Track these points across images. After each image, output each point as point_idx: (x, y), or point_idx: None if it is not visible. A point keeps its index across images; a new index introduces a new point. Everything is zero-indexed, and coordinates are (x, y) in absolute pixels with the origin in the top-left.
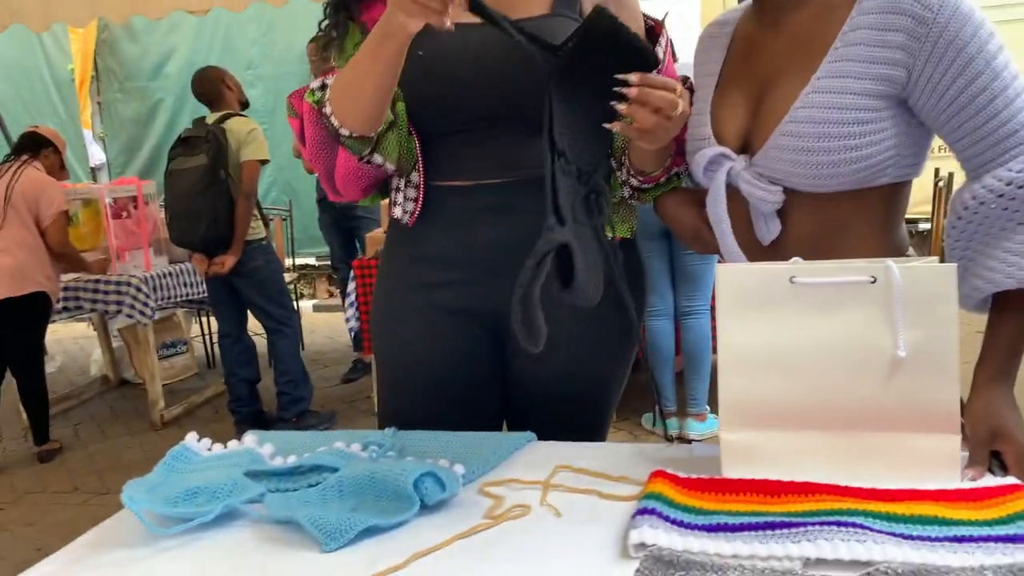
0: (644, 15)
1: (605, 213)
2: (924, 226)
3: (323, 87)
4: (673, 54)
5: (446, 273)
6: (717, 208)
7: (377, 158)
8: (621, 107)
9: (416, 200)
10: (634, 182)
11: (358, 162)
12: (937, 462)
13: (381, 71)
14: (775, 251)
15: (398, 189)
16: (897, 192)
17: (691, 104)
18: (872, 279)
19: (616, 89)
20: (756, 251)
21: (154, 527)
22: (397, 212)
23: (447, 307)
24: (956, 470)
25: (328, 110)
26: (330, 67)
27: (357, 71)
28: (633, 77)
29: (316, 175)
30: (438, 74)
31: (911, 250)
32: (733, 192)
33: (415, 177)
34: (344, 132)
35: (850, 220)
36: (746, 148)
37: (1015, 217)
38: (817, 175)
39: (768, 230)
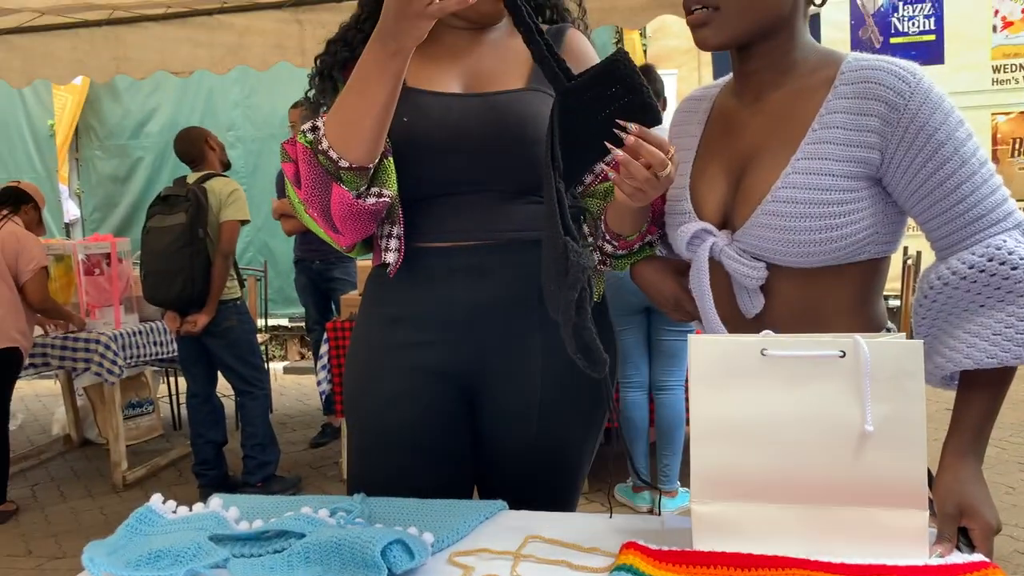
0: None
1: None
2: (893, 303)
3: (314, 129)
4: None
5: (421, 334)
6: (700, 282)
7: (374, 191)
8: (617, 153)
9: (399, 251)
10: (608, 248)
11: (354, 199)
12: (905, 537)
13: (389, 90)
14: (758, 324)
15: (384, 238)
16: (876, 267)
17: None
18: (841, 353)
19: (616, 132)
20: (738, 324)
21: None
22: (390, 258)
23: (421, 368)
24: (924, 546)
25: (324, 145)
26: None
27: (358, 98)
28: (633, 127)
29: (295, 236)
30: (421, 140)
31: (891, 324)
32: (715, 265)
33: (396, 230)
34: (344, 164)
35: (831, 294)
36: (726, 223)
37: (976, 300)
38: (799, 252)
39: (752, 304)
